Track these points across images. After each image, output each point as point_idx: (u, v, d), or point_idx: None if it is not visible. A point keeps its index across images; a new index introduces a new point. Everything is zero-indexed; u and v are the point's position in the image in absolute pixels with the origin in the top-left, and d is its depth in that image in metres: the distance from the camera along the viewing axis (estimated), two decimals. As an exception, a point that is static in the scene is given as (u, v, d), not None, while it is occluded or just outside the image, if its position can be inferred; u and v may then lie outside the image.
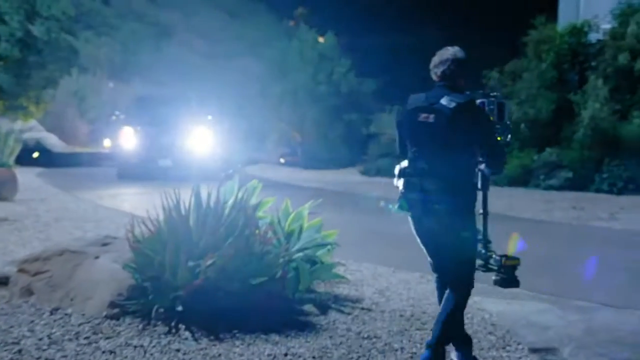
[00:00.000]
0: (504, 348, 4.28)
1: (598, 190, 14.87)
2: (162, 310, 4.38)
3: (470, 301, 5.34)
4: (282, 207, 5.83)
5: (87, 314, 4.51)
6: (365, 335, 4.39)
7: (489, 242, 4.07)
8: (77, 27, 29.81)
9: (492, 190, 4.09)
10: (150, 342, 4.09)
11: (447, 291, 3.91)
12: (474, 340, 4.36)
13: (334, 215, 9.58)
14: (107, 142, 27.56)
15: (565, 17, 19.16)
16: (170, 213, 4.71)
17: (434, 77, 3.96)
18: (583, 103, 16.22)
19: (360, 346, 4.19)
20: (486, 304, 5.36)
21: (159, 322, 4.33)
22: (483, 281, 6.15)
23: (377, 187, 14.55)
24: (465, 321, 4.79)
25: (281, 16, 52.30)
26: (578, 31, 17.46)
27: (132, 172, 15.03)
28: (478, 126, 3.82)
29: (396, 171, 3.94)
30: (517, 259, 4.08)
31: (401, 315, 4.90)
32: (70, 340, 4.08)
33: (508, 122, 4.21)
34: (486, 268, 4.06)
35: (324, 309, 4.98)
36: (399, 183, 3.89)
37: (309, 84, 23.09)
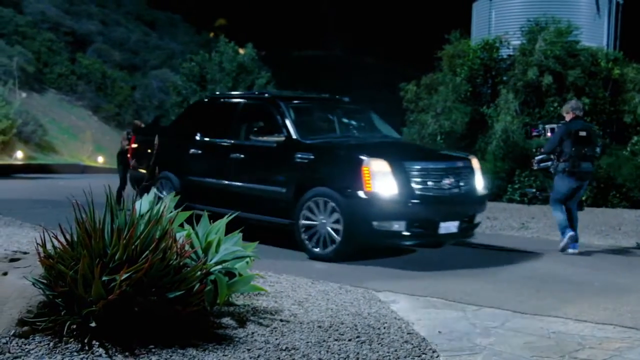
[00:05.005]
0: (419, 356, 4.36)
1: (510, 200, 15.43)
2: (74, 326, 4.25)
3: (386, 311, 5.47)
4: (201, 220, 5.78)
5: (-6, 333, 4.33)
6: (284, 347, 4.39)
7: None
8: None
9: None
10: (62, 359, 3.97)
11: (574, 210, 8.89)
12: (391, 349, 4.44)
13: (252, 226, 9.56)
14: (18, 154, 26.49)
15: (478, 33, 19.84)
16: (84, 226, 4.59)
17: (572, 115, 8.88)
18: (495, 116, 16.81)
19: (279, 358, 4.19)
20: (402, 312, 5.45)
21: (72, 339, 4.21)
22: (397, 291, 6.28)
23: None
24: (382, 330, 4.88)
25: (200, 28, 51.94)
26: (490, 47, 18.10)
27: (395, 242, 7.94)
28: (599, 138, 9.32)
29: (537, 158, 9.13)
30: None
31: (319, 326, 4.92)
32: (-24, 360, 3.92)
33: None
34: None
35: (242, 321, 4.95)
36: (556, 165, 8.79)
37: (228, 96, 22.99)
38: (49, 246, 4.62)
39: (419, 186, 7.71)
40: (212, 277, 5.06)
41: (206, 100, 10.80)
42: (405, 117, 19.27)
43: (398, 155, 7.97)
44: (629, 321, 5.45)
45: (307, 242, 8.00)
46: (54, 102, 34.13)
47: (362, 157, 7.72)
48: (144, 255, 4.46)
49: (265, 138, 8.64)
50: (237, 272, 5.39)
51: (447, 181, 7.92)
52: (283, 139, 8.44)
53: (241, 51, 25.03)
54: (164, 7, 51.36)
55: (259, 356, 4.21)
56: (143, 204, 5.32)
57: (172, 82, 26.49)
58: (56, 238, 4.61)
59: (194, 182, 9.54)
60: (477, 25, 20.50)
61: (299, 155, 8.21)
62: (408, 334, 4.84)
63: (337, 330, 4.85)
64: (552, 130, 9.62)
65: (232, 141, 9.16)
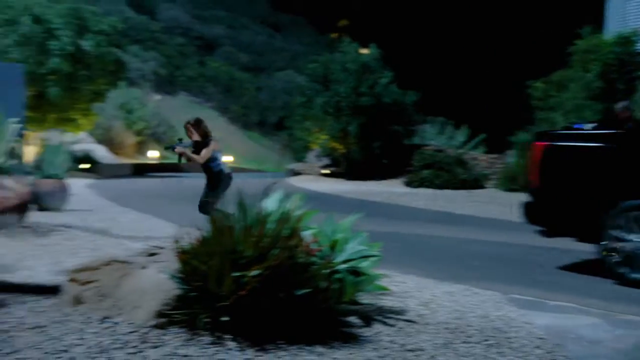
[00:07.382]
0: (551, 363, 4.22)
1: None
2: (207, 320, 4.42)
3: (515, 314, 5.32)
4: (326, 219, 5.85)
5: (134, 323, 4.57)
6: (410, 348, 4.36)
7: None
8: (125, 41, 30.41)
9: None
10: (196, 351, 4.13)
11: None
12: (520, 354, 4.31)
13: (378, 227, 9.57)
14: (152, 154, 27.88)
15: (613, 27, 18.90)
16: (216, 224, 4.75)
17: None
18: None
19: (405, 358, 4.17)
20: (532, 317, 5.29)
21: (205, 332, 4.37)
22: (526, 294, 6.09)
23: (420, 198, 14.47)
24: (512, 334, 4.75)
25: (323, 29, 52.66)
26: (626, 40, 17.19)
27: None
28: None
29: None
30: None
31: (446, 328, 4.86)
32: (118, 348, 4.15)
33: None
34: None
35: (367, 320, 4.97)
36: None
37: (351, 96, 23.15)
38: (183, 242, 4.82)
39: None
40: (338, 275, 5.10)
41: None
42: (534, 114, 18.68)
43: None
44: None
45: None
46: (184, 103, 35.62)
47: None
48: (272, 253, 4.57)
49: None
50: (363, 271, 5.41)
51: None
52: None
53: (364, 51, 25.11)
54: (288, 10, 52.43)
55: (385, 356, 4.20)
56: (271, 203, 5.44)
57: (297, 83, 27.01)
58: (191, 235, 4.80)
59: None
60: (611, 19, 19.54)
61: None
62: (539, 339, 4.68)
63: (464, 332, 4.77)
64: None
65: None
